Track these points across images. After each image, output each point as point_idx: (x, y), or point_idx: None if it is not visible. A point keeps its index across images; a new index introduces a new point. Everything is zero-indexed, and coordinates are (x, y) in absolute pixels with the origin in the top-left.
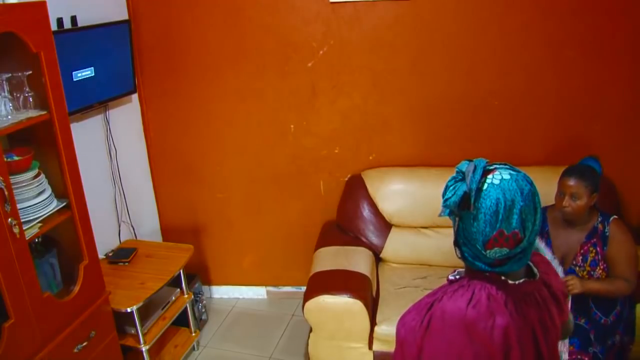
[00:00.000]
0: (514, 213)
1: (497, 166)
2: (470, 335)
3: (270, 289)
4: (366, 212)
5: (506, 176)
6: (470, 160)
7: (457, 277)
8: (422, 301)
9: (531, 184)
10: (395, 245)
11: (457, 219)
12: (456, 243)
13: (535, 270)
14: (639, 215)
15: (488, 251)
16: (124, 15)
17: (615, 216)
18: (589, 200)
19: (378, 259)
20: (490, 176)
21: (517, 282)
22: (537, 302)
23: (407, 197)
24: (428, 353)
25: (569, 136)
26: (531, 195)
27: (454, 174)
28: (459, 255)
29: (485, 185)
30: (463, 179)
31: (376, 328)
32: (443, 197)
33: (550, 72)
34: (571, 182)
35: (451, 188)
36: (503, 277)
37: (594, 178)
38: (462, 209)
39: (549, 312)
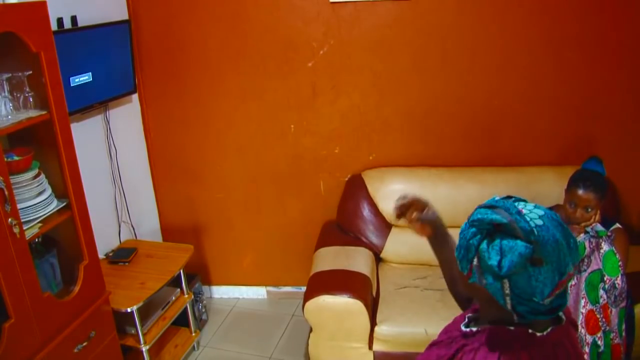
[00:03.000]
0: (572, 249)
1: (518, 203)
2: None
3: (270, 289)
4: (366, 212)
5: (540, 212)
6: (490, 206)
7: (474, 329)
8: (432, 353)
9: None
10: (396, 245)
11: (505, 281)
12: (513, 308)
13: (560, 313)
14: (639, 215)
15: (548, 300)
16: (124, 15)
17: (617, 225)
18: (599, 208)
19: (378, 259)
20: (526, 216)
21: (545, 333)
22: (568, 352)
23: None
24: None
25: (569, 136)
26: (562, 222)
27: (472, 228)
28: (517, 320)
29: (536, 231)
30: (491, 233)
31: (376, 328)
32: (484, 261)
33: (550, 73)
34: (584, 194)
35: (493, 248)
36: (530, 331)
37: (604, 185)
38: (532, 265)
39: (579, 357)
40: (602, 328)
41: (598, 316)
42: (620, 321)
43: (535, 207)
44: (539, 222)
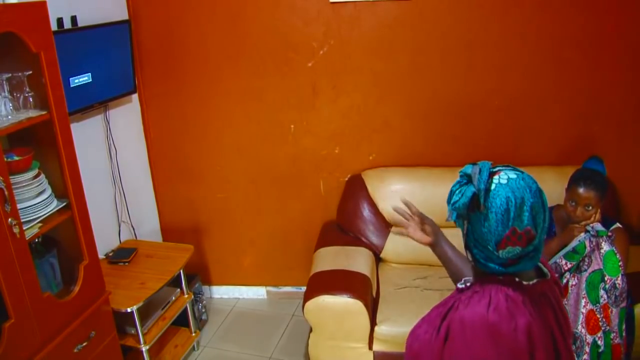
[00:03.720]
0: (524, 210)
1: (501, 168)
2: (494, 339)
3: (270, 289)
4: (366, 212)
5: (513, 175)
6: (474, 163)
7: (468, 284)
8: (431, 313)
9: (536, 182)
10: (396, 245)
11: (465, 222)
12: (466, 246)
13: (545, 269)
14: (639, 215)
15: (501, 251)
16: (124, 15)
17: (618, 225)
18: (599, 206)
19: (378, 259)
20: (496, 177)
21: (531, 283)
22: (551, 302)
23: (407, 197)
24: None
25: (569, 136)
26: (539, 192)
27: (458, 179)
28: (470, 259)
29: (494, 185)
30: (468, 183)
31: (376, 328)
32: (449, 201)
33: (550, 72)
34: (585, 192)
35: (457, 192)
36: (517, 279)
37: (605, 184)
38: (471, 210)
39: (562, 312)
40: (603, 328)
41: (598, 316)
42: (621, 321)
43: (515, 173)
44: (503, 181)
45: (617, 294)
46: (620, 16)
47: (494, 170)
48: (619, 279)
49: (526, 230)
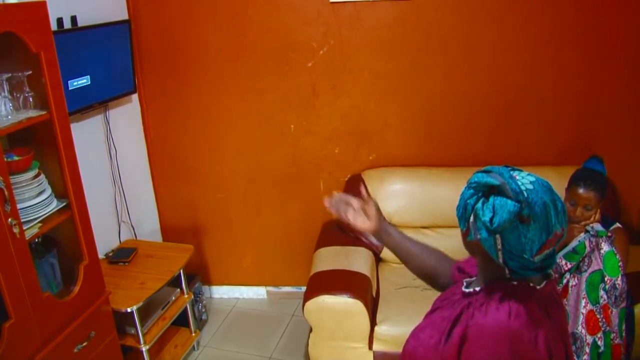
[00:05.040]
0: (559, 212)
1: (512, 170)
2: (515, 348)
3: (270, 289)
4: None
5: (531, 178)
6: (484, 171)
7: (477, 288)
8: (434, 316)
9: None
10: None
11: (497, 237)
12: (505, 263)
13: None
14: (639, 215)
15: (537, 257)
16: (124, 15)
17: (617, 224)
18: (599, 206)
19: (378, 259)
20: (520, 184)
21: (541, 286)
22: (557, 303)
23: (407, 197)
24: None
25: (569, 136)
26: (551, 187)
27: (471, 191)
28: (508, 273)
29: (526, 194)
30: (489, 194)
31: (376, 328)
32: (467, 217)
33: (550, 72)
34: (585, 193)
35: (487, 206)
36: (531, 284)
37: (604, 184)
38: (521, 222)
39: (564, 308)
40: (603, 328)
41: (598, 316)
42: (621, 321)
43: (528, 174)
44: (530, 186)
45: (617, 294)
46: (620, 16)
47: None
48: (619, 279)
49: (560, 230)
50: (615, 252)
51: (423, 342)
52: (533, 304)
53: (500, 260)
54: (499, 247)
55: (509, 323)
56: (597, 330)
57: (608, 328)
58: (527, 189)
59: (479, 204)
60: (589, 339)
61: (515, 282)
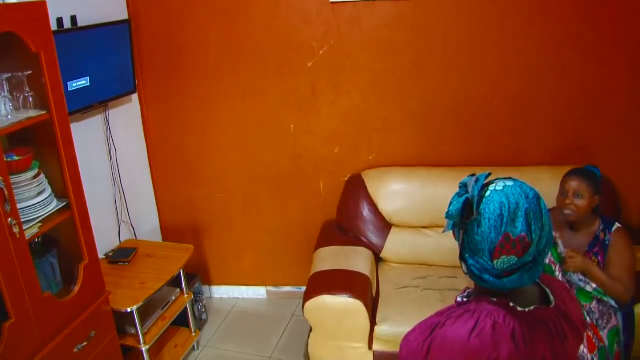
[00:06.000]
0: (519, 215)
1: (500, 178)
2: None
3: (270, 289)
4: (366, 212)
5: (509, 183)
6: (473, 174)
7: (465, 299)
8: (428, 320)
9: (535, 191)
10: (395, 245)
11: (461, 232)
12: (461, 257)
13: (552, 297)
14: (639, 216)
15: (495, 261)
16: (124, 15)
17: (618, 225)
18: (591, 201)
19: (378, 259)
20: (492, 185)
21: (527, 310)
22: (550, 331)
23: (407, 197)
24: None
25: (569, 137)
26: (536, 199)
27: (457, 190)
28: (465, 271)
29: (489, 192)
30: (466, 193)
31: (376, 328)
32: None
33: (549, 73)
34: (574, 180)
35: (455, 202)
36: (512, 304)
37: (596, 180)
38: (466, 217)
39: (564, 342)
40: (597, 345)
41: (590, 334)
42: (611, 343)
43: (513, 181)
44: (499, 188)
45: (596, 317)
46: (620, 16)
47: (492, 180)
48: (593, 304)
49: (520, 237)
50: (583, 286)
51: (408, 344)
52: (509, 325)
53: (459, 253)
54: (461, 241)
55: (468, 341)
56: (593, 348)
57: (601, 344)
58: (493, 190)
59: (453, 199)
60: (589, 357)
61: (495, 299)
